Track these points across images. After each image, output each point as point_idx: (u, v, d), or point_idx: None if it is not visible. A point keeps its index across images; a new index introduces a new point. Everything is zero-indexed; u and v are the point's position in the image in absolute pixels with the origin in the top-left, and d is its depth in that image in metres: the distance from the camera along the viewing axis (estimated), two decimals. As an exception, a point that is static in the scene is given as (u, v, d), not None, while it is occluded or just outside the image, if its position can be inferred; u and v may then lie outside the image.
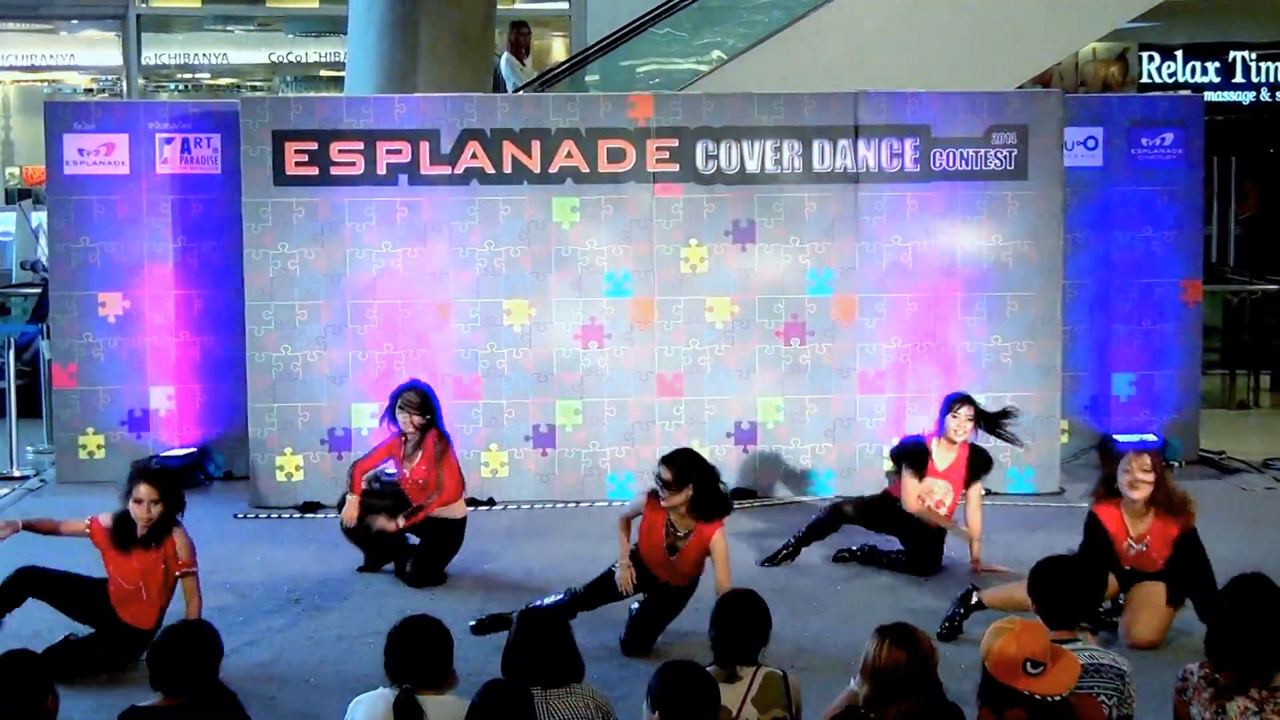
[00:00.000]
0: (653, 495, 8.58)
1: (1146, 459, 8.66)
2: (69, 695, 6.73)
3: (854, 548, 10.36)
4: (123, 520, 8.32)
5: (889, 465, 10.83)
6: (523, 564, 10.38)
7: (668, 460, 8.57)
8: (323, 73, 24.56)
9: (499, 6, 17.97)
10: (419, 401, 10.03)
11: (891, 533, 10.24)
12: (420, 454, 10.02)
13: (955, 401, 10.16)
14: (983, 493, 10.31)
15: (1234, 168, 20.73)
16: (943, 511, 10.11)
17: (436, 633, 5.95)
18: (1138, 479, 8.59)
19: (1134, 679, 6.19)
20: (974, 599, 8.78)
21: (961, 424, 10.06)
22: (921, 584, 9.88)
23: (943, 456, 10.11)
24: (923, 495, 10.07)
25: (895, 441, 10.77)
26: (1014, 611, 8.37)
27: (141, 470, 8.59)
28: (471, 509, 10.91)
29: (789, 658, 7.80)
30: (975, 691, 5.64)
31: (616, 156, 12.05)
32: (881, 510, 10.26)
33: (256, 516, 11.76)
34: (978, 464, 10.21)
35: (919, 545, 10.12)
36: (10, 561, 8.49)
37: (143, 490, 8.24)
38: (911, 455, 10.16)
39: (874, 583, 9.93)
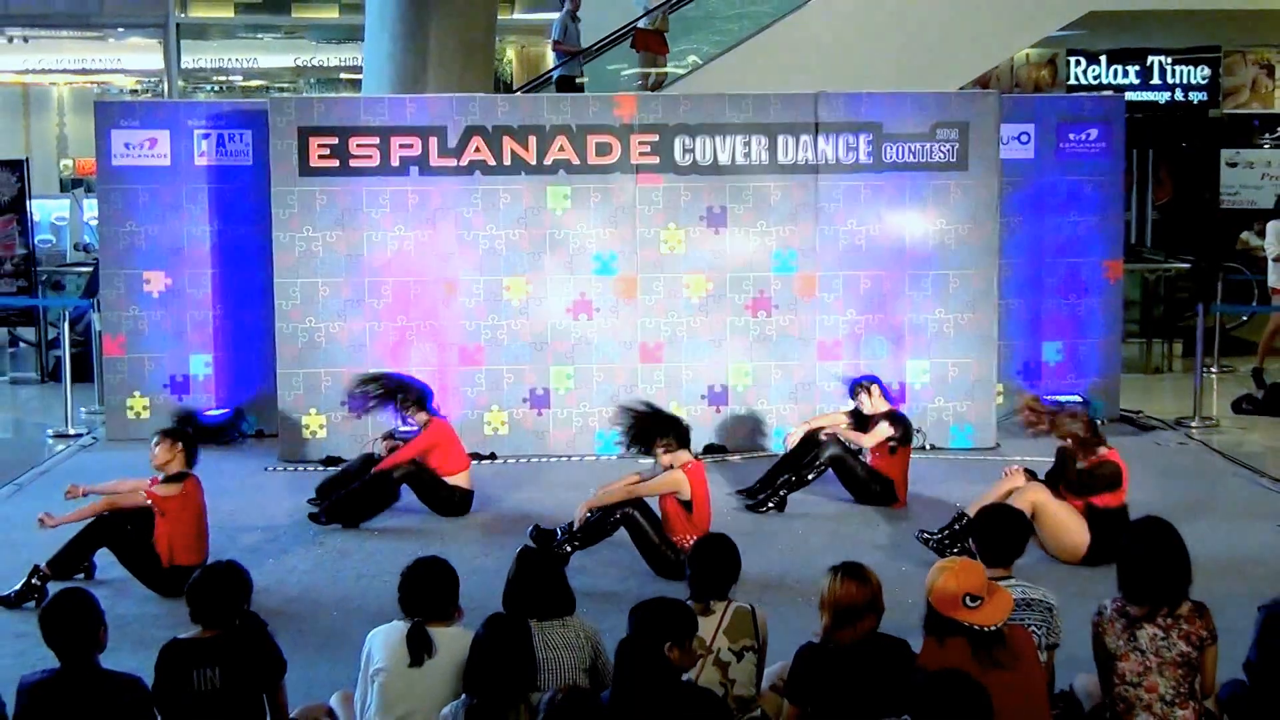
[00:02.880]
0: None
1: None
2: (117, 628, 6.74)
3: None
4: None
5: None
6: (521, 509, 10.39)
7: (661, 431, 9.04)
8: (343, 75, 24.51)
9: (500, 16, 17.95)
10: (416, 398, 10.35)
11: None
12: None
13: (858, 386, 10.68)
14: (878, 438, 10.48)
15: (1151, 160, 20.77)
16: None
17: (445, 571, 5.96)
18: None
19: (1060, 612, 6.22)
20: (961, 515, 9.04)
21: (875, 402, 10.54)
22: (873, 525, 9.91)
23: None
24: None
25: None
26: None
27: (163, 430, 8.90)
28: (475, 462, 10.96)
29: (756, 593, 7.81)
30: (921, 623, 5.67)
31: (604, 150, 12.01)
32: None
33: (284, 469, 11.75)
34: (886, 418, 10.52)
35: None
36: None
37: (157, 442, 8.68)
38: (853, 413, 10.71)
39: (827, 527, 9.95)
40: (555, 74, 17.87)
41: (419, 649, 5.71)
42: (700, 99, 12.33)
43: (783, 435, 11.28)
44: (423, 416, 10.28)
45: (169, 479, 8.55)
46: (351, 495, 10.03)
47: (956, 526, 8.95)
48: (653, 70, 17.30)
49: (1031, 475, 9.11)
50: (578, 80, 17.66)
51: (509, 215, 12.00)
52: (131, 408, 12.69)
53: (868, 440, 10.41)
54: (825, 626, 5.62)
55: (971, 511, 8.68)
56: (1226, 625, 6.04)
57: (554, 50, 18.23)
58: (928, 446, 11.85)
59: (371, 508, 10.03)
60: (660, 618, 5.43)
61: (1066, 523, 8.85)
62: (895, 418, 10.48)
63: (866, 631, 5.59)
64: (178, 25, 23.01)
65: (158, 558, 8.42)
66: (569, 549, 8.78)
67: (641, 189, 12.04)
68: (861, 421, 10.56)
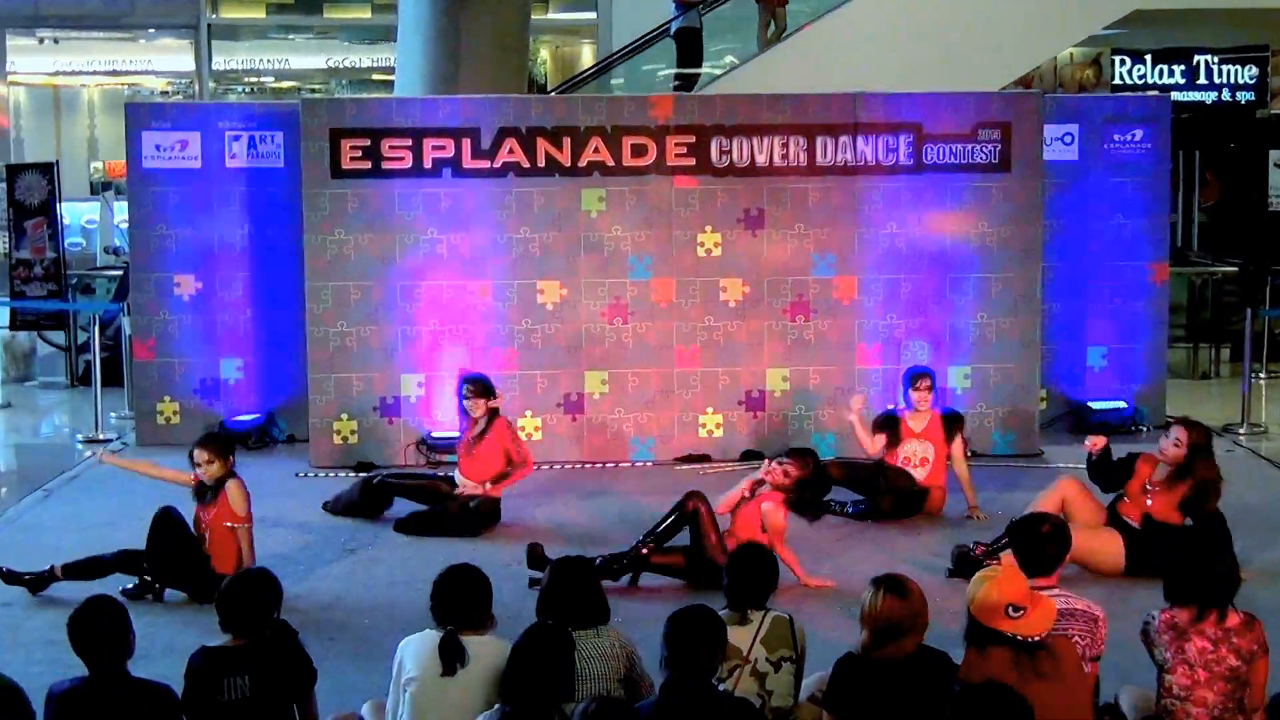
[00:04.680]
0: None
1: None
2: (145, 636, 6.76)
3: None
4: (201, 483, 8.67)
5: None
6: (555, 517, 10.39)
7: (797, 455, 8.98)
8: (375, 76, 24.57)
9: (534, 16, 17.94)
10: (479, 388, 10.19)
11: (869, 495, 10.31)
12: (489, 434, 10.11)
13: (915, 376, 10.42)
14: (964, 444, 10.45)
15: (1197, 160, 20.61)
16: (926, 469, 10.30)
17: (478, 579, 5.96)
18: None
19: (1106, 623, 6.18)
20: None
21: (923, 395, 10.32)
22: (913, 536, 9.87)
23: (917, 421, 10.35)
24: (908, 457, 10.32)
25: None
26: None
27: (202, 438, 8.95)
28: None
29: (794, 602, 7.78)
30: (962, 633, 5.64)
31: (639, 152, 12.01)
32: (868, 477, 10.34)
33: (316, 475, 11.77)
34: (951, 422, 10.40)
35: (884, 499, 10.25)
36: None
37: (196, 454, 8.62)
38: (884, 422, 10.49)
39: (867, 536, 9.92)
40: (673, 27, 17.55)
41: (451, 658, 5.70)
42: (737, 99, 12.32)
43: (820, 440, 11.24)
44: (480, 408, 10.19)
45: (216, 485, 8.58)
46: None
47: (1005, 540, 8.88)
48: (771, 21, 16.99)
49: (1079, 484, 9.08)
50: (698, 29, 17.41)
51: (543, 218, 12.00)
52: (161, 412, 12.74)
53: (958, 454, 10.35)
54: (864, 643, 5.58)
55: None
56: (1276, 638, 6.00)
57: (673, 1, 17.87)
58: (969, 454, 11.78)
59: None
60: (689, 627, 5.39)
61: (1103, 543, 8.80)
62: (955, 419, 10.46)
63: (908, 650, 5.55)
64: (209, 26, 23.10)
65: (208, 560, 8.51)
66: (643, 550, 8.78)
67: (678, 191, 12.03)
68: (893, 425, 10.43)
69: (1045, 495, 9.02)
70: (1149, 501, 8.80)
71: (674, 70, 17.67)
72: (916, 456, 10.31)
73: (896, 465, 10.31)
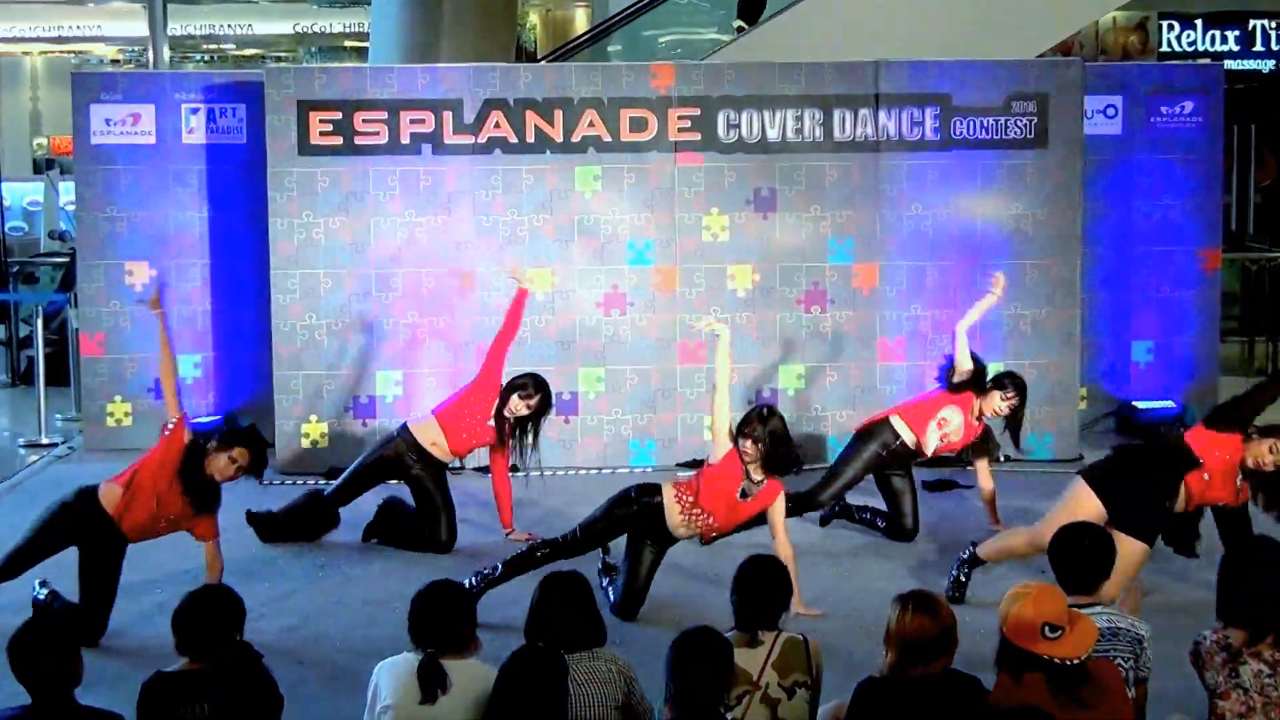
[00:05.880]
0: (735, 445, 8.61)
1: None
2: (94, 660, 6.76)
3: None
4: (193, 452, 8.38)
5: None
6: (547, 530, 10.35)
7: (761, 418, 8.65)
8: (347, 43, 24.63)
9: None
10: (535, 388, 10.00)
11: (886, 493, 10.27)
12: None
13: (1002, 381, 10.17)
14: (989, 462, 10.33)
15: (1253, 136, 20.62)
16: (943, 442, 10.12)
17: (460, 597, 5.96)
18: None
19: (1151, 643, 6.19)
20: (968, 553, 8.84)
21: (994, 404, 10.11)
22: (932, 549, 9.88)
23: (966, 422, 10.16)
24: (940, 422, 10.09)
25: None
26: (1009, 560, 8.48)
27: (244, 433, 8.76)
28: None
29: (808, 622, 7.80)
30: (994, 656, 5.65)
31: (639, 126, 12.03)
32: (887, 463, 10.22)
33: (282, 483, 11.77)
34: (984, 438, 10.24)
35: (900, 508, 10.19)
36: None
37: (239, 452, 8.35)
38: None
39: (885, 550, 9.94)
40: None
41: (432, 683, 5.71)
42: (747, 68, 12.33)
43: (839, 445, 11.20)
44: None
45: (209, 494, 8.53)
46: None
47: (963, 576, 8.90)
48: None
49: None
50: None
51: (532, 199, 12.02)
52: (112, 414, 12.75)
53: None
54: (890, 664, 5.58)
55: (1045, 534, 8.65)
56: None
57: None
58: (1002, 458, 11.78)
59: None
60: (693, 656, 5.38)
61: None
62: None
63: (936, 674, 5.56)
64: (164, -12, 23.11)
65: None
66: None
67: (681, 169, 12.04)
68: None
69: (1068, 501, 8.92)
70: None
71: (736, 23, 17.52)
72: (949, 425, 10.08)
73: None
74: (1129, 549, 7.90)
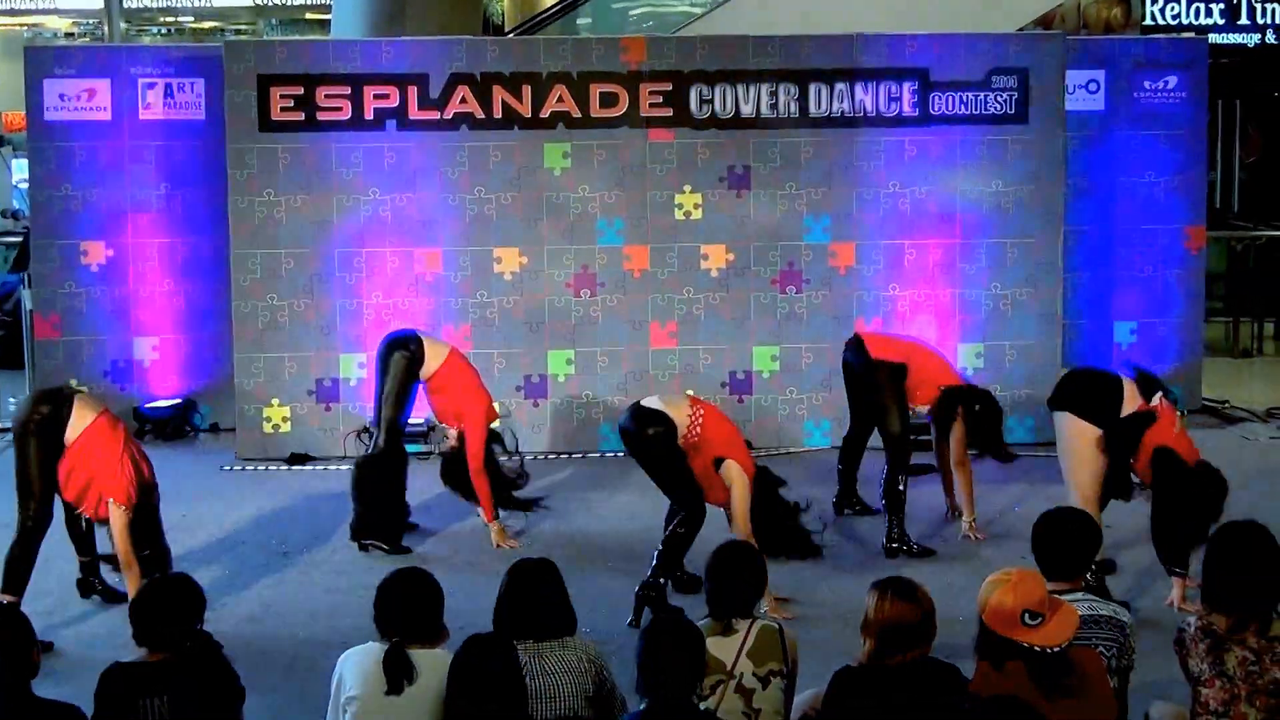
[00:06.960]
0: None
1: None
2: (55, 650, 6.75)
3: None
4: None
5: None
6: (531, 521, 10.26)
7: None
8: (308, 15, 24.51)
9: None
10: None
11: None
12: None
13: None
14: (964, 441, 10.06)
15: (1238, 112, 20.68)
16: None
17: (427, 586, 5.95)
18: None
19: (1134, 630, 6.21)
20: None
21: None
22: (915, 531, 9.89)
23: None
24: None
25: None
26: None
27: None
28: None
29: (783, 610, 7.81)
30: (972, 645, 5.66)
31: (609, 101, 12.01)
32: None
33: (244, 469, 11.77)
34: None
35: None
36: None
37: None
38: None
39: (857, 534, 9.96)
40: None
41: (398, 674, 5.70)
42: (720, 42, 12.32)
43: (814, 428, 11.23)
44: None
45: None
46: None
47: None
48: None
49: None
50: None
51: (500, 176, 12.00)
52: (68, 398, 12.69)
53: None
54: (868, 653, 5.59)
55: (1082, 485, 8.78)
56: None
57: None
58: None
59: None
60: (662, 645, 5.38)
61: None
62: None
63: (915, 661, 5.57)
64: (119, -42, 22.99)
65: None
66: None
67: (653, 146, 12.04)
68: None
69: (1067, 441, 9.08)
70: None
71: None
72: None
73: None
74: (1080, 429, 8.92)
